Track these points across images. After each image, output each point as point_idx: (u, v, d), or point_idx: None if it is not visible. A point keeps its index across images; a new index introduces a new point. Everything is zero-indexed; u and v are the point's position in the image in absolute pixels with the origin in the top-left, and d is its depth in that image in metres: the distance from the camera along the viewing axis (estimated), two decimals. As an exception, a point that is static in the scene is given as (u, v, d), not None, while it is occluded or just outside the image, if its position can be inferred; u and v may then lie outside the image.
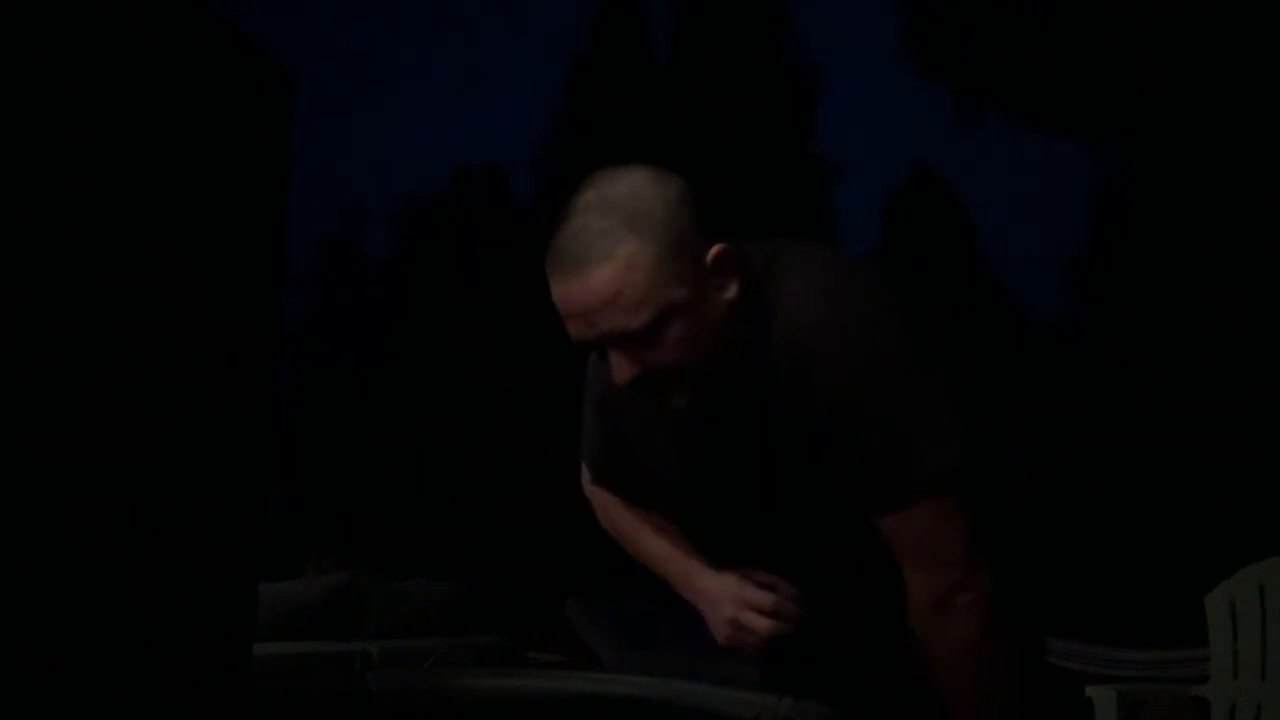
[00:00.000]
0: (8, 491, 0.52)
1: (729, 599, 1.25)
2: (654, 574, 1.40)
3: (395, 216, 19.83)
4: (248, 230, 0.71)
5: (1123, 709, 2.74)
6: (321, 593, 5.63)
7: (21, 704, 0.53)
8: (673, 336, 1.09)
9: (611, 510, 1.43)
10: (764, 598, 1.23)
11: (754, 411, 1.20)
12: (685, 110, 16.53)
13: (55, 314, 0.55)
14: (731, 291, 1.13)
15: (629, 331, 1.08)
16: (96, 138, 0.58)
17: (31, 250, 0.54)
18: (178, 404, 0.63)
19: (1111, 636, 3.98)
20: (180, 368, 0.64)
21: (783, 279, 1.17)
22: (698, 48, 17.03)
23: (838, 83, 24.39)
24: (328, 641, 5.18)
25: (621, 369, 1.11)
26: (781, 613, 1.23)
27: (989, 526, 1.19)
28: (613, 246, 1.08)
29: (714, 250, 1.12)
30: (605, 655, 4.67)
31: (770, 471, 1.27)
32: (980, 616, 1.12)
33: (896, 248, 17.21)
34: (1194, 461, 10.73)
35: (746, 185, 15.37)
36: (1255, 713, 2.66)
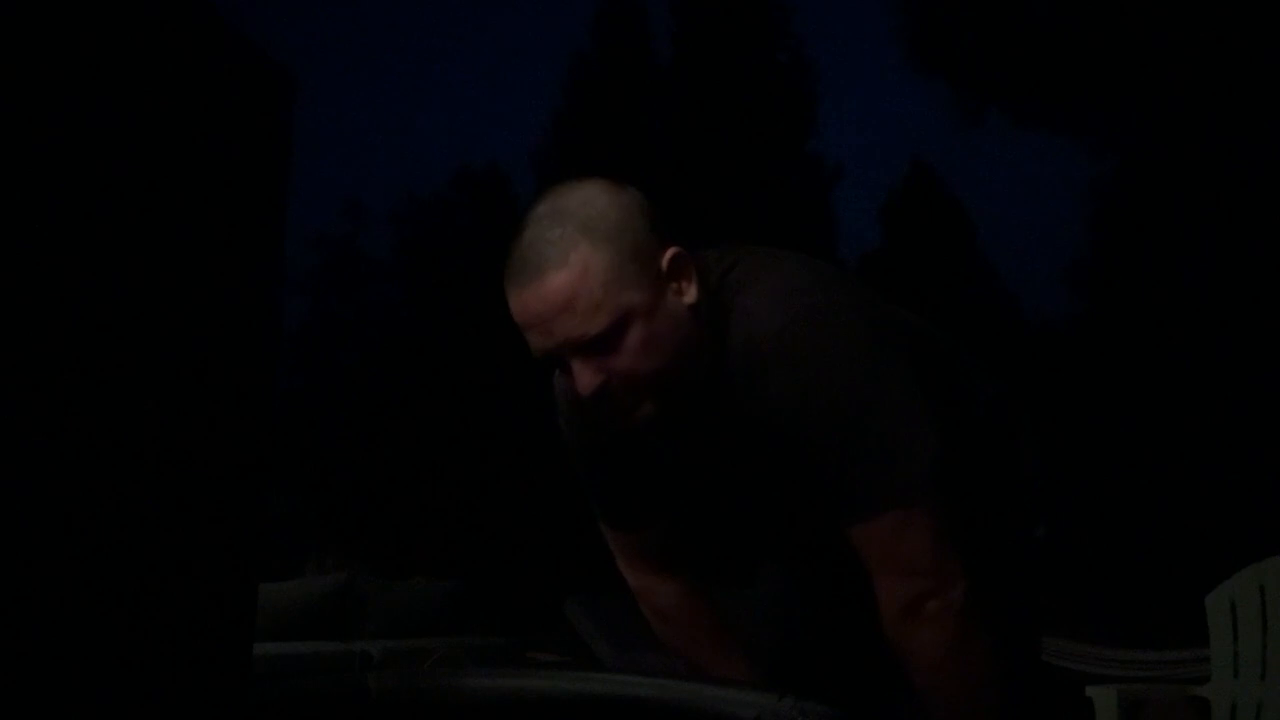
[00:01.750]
0: (7, 491, 0.52)
1: None
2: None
3: (395, 216, 19.83)
4: (248, 230, 0.71)
5: (1123, 709, 2.74)
6: (321, 593, 5.62)
7: (21, 704, 0.53)
8: (632, 342, 1.09)
9: (670, 624, 1.41)
10: None
11: (721, 421, 1.19)
12: (685, 110, 16.52)
13: (54, 315, 0.55)
14: (690, 296, 1.13)
15: (587, 338, 1.08)
16: (95, 138, 0.58)
17: (30, 251, 0.54)
18: (177, 404, 0.63)
19: (1111, 636, 3.98)
20: (180, 368, 0.64)
21: (743, 287, 1.16)
22: (698, 48, 17.02)
23: (838, 83, 24.40)
24: (328, 641, 5.17)
25: (584, 378, 1.10)
26: None
27: (985, 529, 1.18)
28: (567, 253, 1.08)
29: (669, 253, 1.12)
30: (605, 655, 4.67)
31: (749, 478, 1.27)
32: (950, 625, 1.10)
33: (896, 248, 17.20)
34: (1194, 461, 10.73)
35: (747, 185, 15.37)
36: (1255, 712, 2.66)
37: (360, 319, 19.59)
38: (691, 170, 14.77)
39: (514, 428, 14.02)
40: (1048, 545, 1.37)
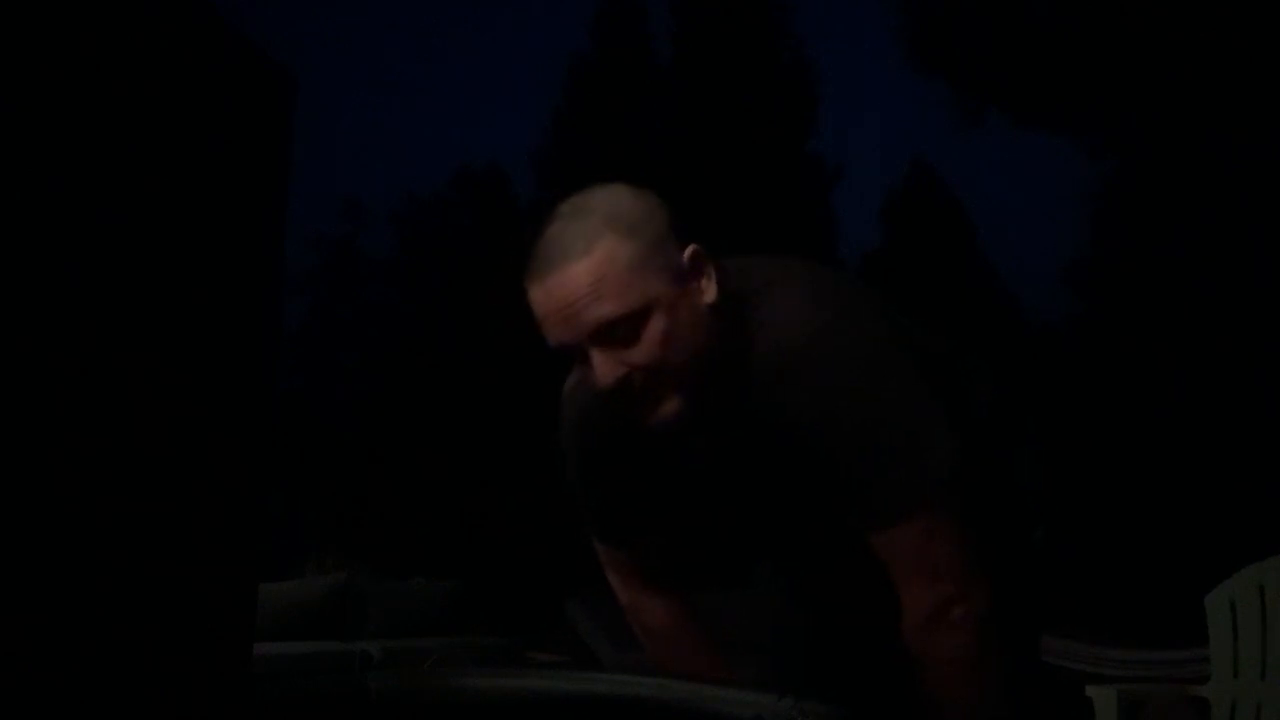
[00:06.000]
0: (7, 492, 0.52)
1: None
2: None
3: (395, 216, 19.81)
4: (248, 230, 0.71)
5: (1123, 709, 2.74)
6: (321, 593, 5.63)
7: (21, 704, 0.53)
8: (653, 334, 1.09)
9: (659, 642, 1.39)
10: None
11: (741, 426, 1.19)
12: (685, 110, 16.52)
13: (53, 315, 0.55)
14: (710, 295, 1.14)
15: (609, 320, 1.08)
16: (95, 138, 0.58)
17: (29, 252, 0.54)
18: (177, 404, 0.63)
19: (1111, 636, 3.98)
20: (180, 368, 0.64)
21: (767, 295, 1.16)
22: (698, 48, 17.01)
23: (838, 83, 24.41)
24: (328, 641, 5.18)
25: (605, 370, 1.10)
26: None
27: (989, 532, 1.18)
28: (591, 242, 1.09)
29: (689, 250, 1.14)
30: (605, 655, 4.67)
31: (758, 482, 1.27)
32: (975, 630, 1.11)
33: (896, 248, 17.19)
34: (1194, 461, 10.73)
35: (747, 185, 15.37)
36: (1255, 712, 2.65)
37: (360, 319, 19.58)
38: (691, 170, 14.77)
39: (514, 427, 14.01)
40: (1046, 547, 1.37)
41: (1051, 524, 1.39)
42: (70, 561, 0.56)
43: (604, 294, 1.08)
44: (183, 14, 0.65)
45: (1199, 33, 10.72)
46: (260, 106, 0.72)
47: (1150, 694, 2.93)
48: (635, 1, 17.87)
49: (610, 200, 1.14)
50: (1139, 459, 11.45)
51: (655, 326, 1.09)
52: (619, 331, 1.09)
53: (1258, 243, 10.68)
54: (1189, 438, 10.86)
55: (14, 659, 0.53)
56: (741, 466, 1.25)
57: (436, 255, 18.48)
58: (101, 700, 0.57)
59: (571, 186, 1.19)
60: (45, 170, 0.55)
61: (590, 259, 1.08)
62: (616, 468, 1.31)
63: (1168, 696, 2.94)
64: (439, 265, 18.21)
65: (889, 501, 1.11)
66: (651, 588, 1.39)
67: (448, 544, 13.36)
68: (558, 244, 1.11)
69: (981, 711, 1.13)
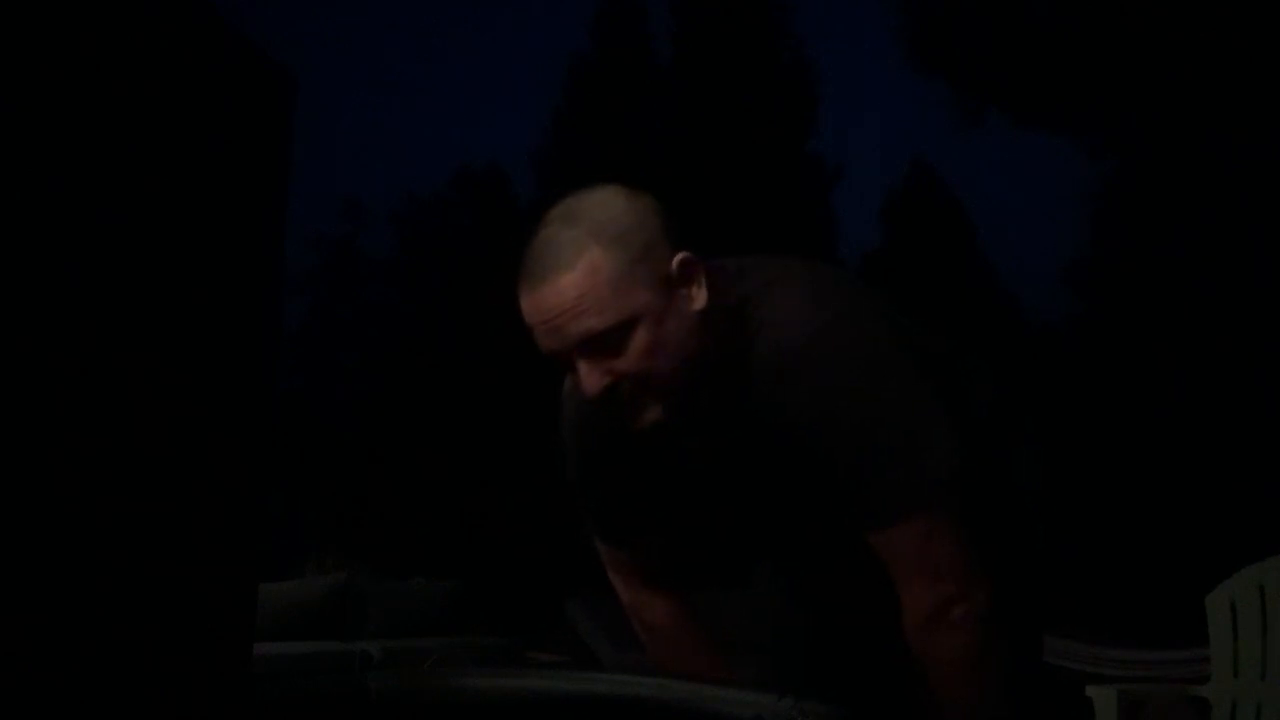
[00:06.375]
0: (7, 492, 0.52)
1: None
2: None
3: (395, 216, 19.80)
4: (248, 231, 0.71)
5: (1123, 709, 2.74)
6: (321, 593, 5.63)
7: (21, 704, 0.53)
8: (639, 344, 1.10)
9: (660, 640, 1.40)
10: None
11: (740, 426, 1.19)
12: (685, 110, 16.52)
13: (53, 315, 0.55)
14: (699, 302, 1.14)
15: (593, 334, 1.09)
16: (95, 138, 0.58)
17: (29, 252, 0.54)
18: (177, 404, 0.63)
19: (1111, 636, 3.98)
20: (180, 368, 0.64)
21: (767, 295, 1.17)
22: (698, 48, 17.02)
23: (838, 83, 24.40)
24: (328, 641, 5.18)
25: (591, 379, 1.11)
26: None
27: (989, 532, 1.19)
28: (577, 255, 1.10)
29: (677, 259, 1.13)
30: (605, 655, 4.68)
31: (757, 482, 1.27)
32: (976, 629, 1.11)
33: (896, 248, 17.19)
34: (1194, 461, 10.73)
35: (747, 186, 15.37)
36: (1256, 713, 2.65)
37: (360, 319, 19.57)
38: (691, 170, 14.77)
39: (514, 427, 14.01)
40: (1046, 547, 1.37)
41: (1051, 524, 1.39)
42: (70, 561, 0.56)
43: (588, 307, 1.09)
44: (183, 14, 0.65)
45: (1199, 33, 10.72)
46: (260, 106, 0.72)
47: (1150, 694, 2.94)
48: (635, 1, 17.87)
49: (600, 207, 1.14)
50: (1138, 459, 11.45)
51: (641, 336, 1.10)
52: (605, 342, 1.10)
53: (1258, 243, 10.69)
54: (1189, 438, 10.87)
55: (14, 659, 0.53)
56: (742, 466, 1.25)
57: (436, 255, 18.48)
58: (101, 700, 0.57)
59: (571, 186, 1.19)
60: (45, 170, 0.55)
61: (575, 272, 1.09)
62: (616, 467, 1.32)
63: (1168, 696, 2.94)
64: (439, 265, 18.21)
65: (889, 501, 1.11)
66: (652, 587, 1.39)
67: (448, 544, 13.36)
68: (545, 254, 1.11)
69: (982, 711, 1.13)
